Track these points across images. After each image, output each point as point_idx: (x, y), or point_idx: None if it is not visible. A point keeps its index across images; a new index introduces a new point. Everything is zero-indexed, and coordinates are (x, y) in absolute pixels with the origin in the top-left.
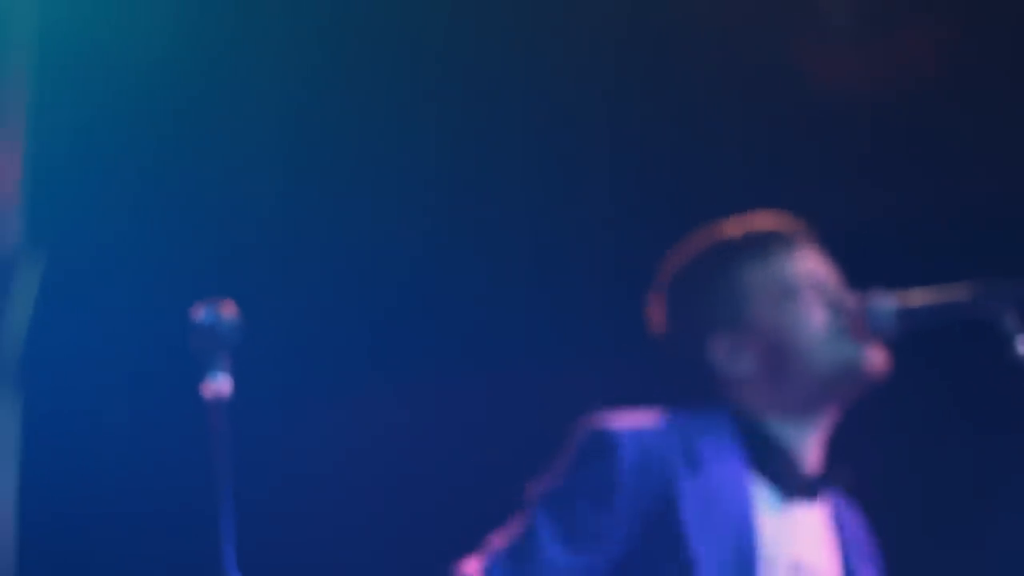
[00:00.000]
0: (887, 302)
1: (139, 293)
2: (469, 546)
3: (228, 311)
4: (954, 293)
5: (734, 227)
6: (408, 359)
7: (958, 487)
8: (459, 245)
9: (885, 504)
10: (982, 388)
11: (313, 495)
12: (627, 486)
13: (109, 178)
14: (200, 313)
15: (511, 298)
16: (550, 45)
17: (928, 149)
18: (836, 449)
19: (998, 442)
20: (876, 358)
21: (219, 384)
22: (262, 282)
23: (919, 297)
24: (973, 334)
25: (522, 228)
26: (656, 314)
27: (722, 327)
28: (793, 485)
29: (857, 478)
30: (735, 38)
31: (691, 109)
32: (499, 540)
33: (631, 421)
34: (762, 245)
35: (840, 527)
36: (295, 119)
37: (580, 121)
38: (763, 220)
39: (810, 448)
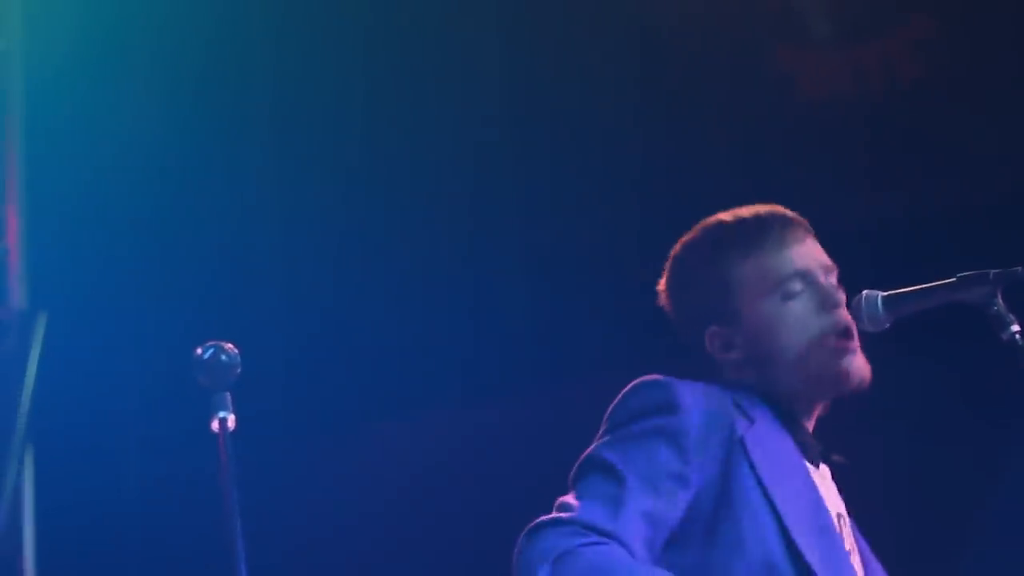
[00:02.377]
0: (875, 292)
1: (141, 342)
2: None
3: (229, 349)
4: (941, 282)
5: (728, 218)
6: (408, 392)
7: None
8: (457, 280)
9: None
10: (981, 376)
11: (324, 528)
12: (696, 430)
13: (104, 238)
14: (203, 352)
15: (514, 328)
16: (540, 50)
17: (915, 150)
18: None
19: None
20: (861, 369)
21: (224, 419)
22: (262, 323)
23: (907, 288)
24: (969, 324)
25: (526, 253)
26: (664, 301)
27: (715, 320)
28: (814, 453)
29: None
30: (721, 43)
31: (681, 116)
32: (575, 491)
33: (678, 380)
34: (752, 237)
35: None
36: (283, 168)
37: (573, 130)
38: (757, 211)
39: (810, 422)
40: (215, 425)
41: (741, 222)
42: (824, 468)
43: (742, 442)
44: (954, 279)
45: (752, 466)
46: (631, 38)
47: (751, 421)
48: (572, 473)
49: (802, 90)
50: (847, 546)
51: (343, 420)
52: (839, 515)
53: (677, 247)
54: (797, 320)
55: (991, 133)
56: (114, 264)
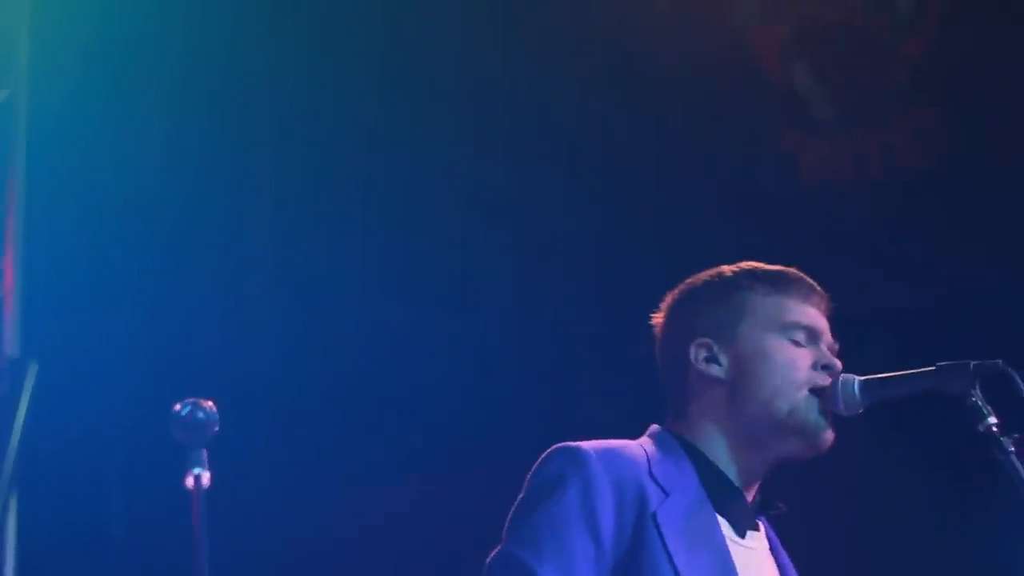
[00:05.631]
0: (852, 376)
1: (126, 396)
2: None
3: (207, 406)
4: (920, 370)
5: (763, 264)
6: (387, 457)
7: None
8: (438, 342)
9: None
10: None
11: None
12: (607, 503)
13: (97, 291)
14: (181, 408)
15: (494, 393)
16: (553, 125)
17: (911, 237)
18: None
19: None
20: (829, 437)
21: (199, 476)
22: (244, 382)
23: (885, 374)
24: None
25: (503, 321)
26: (660, 319)
27: (710, 334)
28: (745, 521)
29: (789, 509)
30: (726, 127)
31: (684, 191)
32: None
33: (594, 443)
34: (782, 281)
35: (776, 552)
36: (272, 218)
37: (582, 217)
38: (794, 270)
39: (752, 487)
40: (189, 481)
41: (777, 269)
42: (757, 538)
43: (654, 518)
44: (933, 367)
45: (664, 544)
46: (644, 113)
47: (666, 493)
48: (488, 565)
49: (804, 171)
50: None
51: (322, 482)
52: None
53: (705, 272)
54: (790, 362)
55: (989, 222)
56: (107, 316)
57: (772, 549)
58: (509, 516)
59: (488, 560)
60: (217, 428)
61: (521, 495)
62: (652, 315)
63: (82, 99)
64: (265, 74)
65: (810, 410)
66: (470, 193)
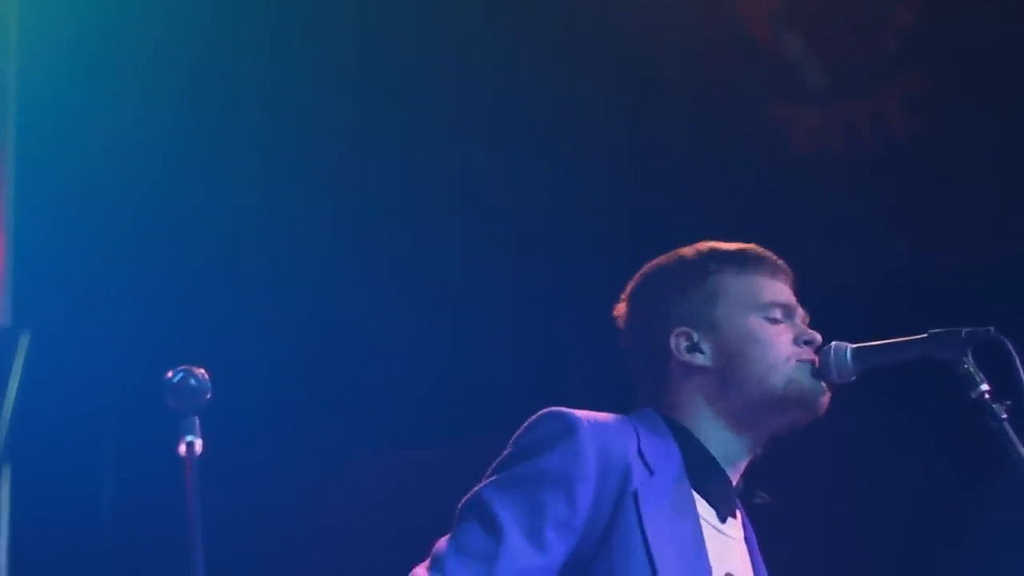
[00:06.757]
0: (844, 344)
1: (118, 364)
2: None
3: (199, 374)
4: (912, 337)
5: (718, 243)
6: (381, 425)
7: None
8: (433, 313)
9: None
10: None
11: (288, 555)
12: (590, 475)
13: (88, 259)
14: (173, 375)
15: (487, 367)
16: (535, 100)
17: (901, 207)
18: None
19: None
20: (827, 399)
21: (192, 443)
22: (237, 351)
23: (877, 342)
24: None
25: (499, 304)
26: (624, 309)
27: (686, 323)
28: (728, 507)
29: (774, 499)
30: (715, 97)
31: (671, 165)
32: (452, 540)
33: (586, 413)
34: (748, 260)
35: (748, 539)
36: (264, 188)
37: (565, 185)
38: (754, 246)
39: (739, 469)
40: (182, 449)
41: (739, 247)
42: (735, 526)
43: (635, 495)
44: (925, 335)
45: (640, 521)
46: (629, 86)
47: (651, 472)
48: (460, 505)
49: (794, 142)
50: None
51: (314, 452)
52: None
53: (663, 256)
54: (773, 338)
55: (976, 193)
56: (98, 284)
57: (747, 539)
58: (490, 468)
59: (461, 503)
60: (209, 395)
61: (506, 451)
62: (614, 306)
63: (72, 69)
64: (252, 58)
65: (804, 377)
66: (454, 161)
